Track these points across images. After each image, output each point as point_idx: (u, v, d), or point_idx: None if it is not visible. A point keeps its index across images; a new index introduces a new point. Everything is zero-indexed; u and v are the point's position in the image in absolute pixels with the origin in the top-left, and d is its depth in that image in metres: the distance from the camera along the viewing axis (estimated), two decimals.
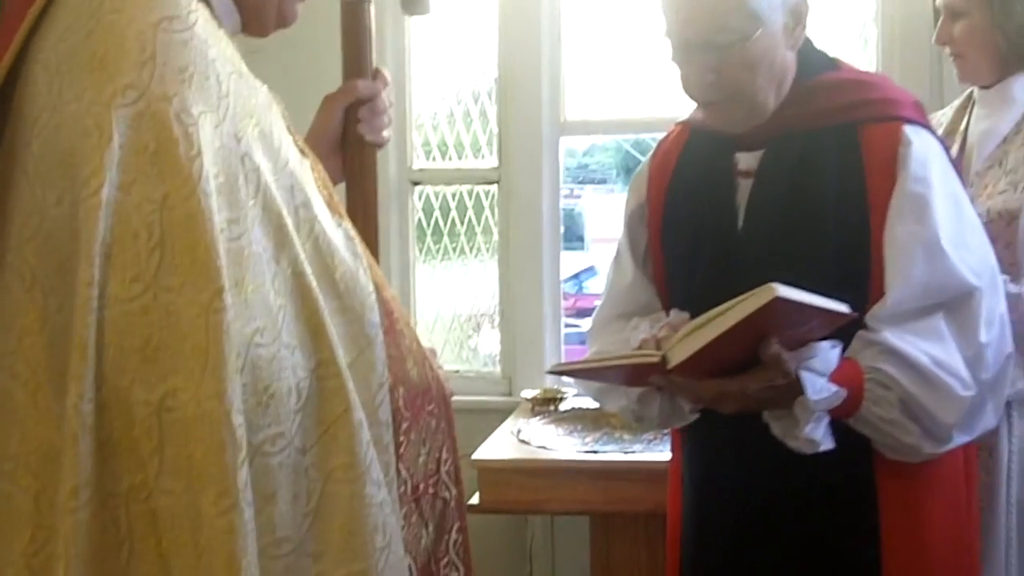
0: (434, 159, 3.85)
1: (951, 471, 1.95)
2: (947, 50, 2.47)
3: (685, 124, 2.11)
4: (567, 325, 4.00)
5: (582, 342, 2.43)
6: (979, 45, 2.38)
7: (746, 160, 1.98)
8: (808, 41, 1.98)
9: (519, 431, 3.18)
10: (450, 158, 3.84)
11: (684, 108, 2.07)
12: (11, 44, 1.31)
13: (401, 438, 1.40)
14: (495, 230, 3.80)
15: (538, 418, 3.33)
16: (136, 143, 1.22)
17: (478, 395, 3.71)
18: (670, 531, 2.15)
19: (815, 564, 1.92)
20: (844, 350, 1.81)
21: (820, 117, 1.93)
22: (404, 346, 1.44)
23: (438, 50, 3.80)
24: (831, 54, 2.04)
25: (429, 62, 3.81)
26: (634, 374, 1.83)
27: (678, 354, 1.70)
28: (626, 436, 3.09)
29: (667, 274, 2.09)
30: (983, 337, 1.82)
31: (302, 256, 1.32)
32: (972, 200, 2.25)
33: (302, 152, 1.43)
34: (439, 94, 3.84)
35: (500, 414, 3.43)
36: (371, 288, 1.40)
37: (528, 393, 3.51)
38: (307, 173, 1.40)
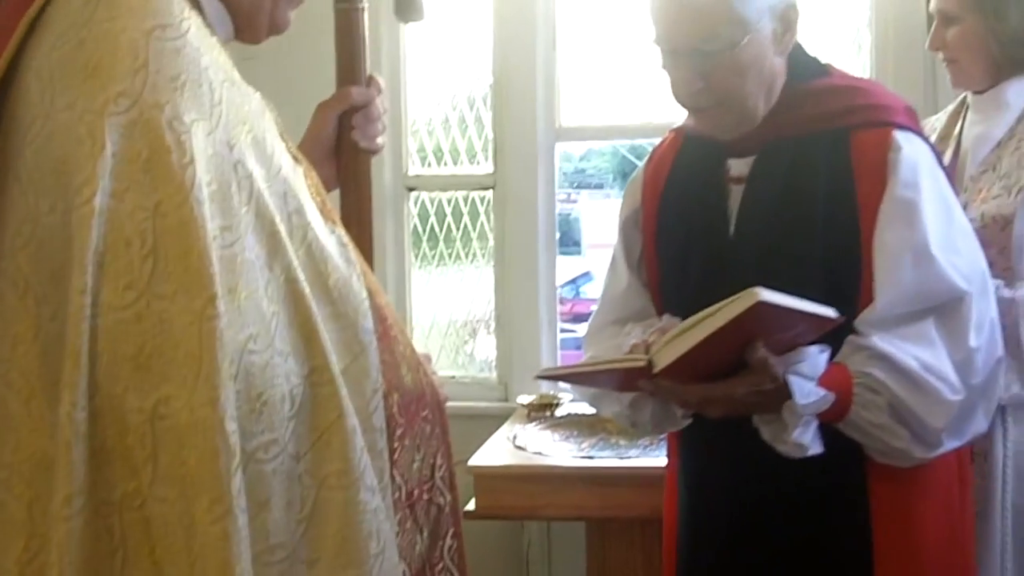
0: (429, 165, 3.86)
1: (943, 475, 1.95)
2: (940, 55, 2.48)
3: (679, 131, 2.12)
4: (564, 330, 4.00)
5: (579, 347, 2.43)
6: (972, 50, 2.38)
7: (738, 166, 1.98)
8: (799, 47, 1.98)
9: (515, 437, 3.18)
10: (445, 164, 3.85)
11: (678, 114, 2.08)
12: (3, 52, 1.31)
13: (395, 444, 1.40)
14: (490, 236, 3.80)
15: (534, 424, 3.33)
16: (129, 151, 1.22)
17: (474, 401, 3.71)
18: (666, 537, 2.15)
19: (808, 567, 1.93)
20: (834, 355, 1.81)
21: (810, 123, 1.94)
22: (398, 352, 1.44)
23: (433, 56, 3.81)
24: (823, 60, 2.04)
25: (424, 68, 3.81)
26: (624, 379, 1.84)
27: (664, 358, 1.70)
28: (622, 442, 3.09)
29: (660, 280, 2.10)
30: (973, 342, 1.82)
31: (295, 263, 1.32)
32: (966, 205, 2.26)
33: (295, 159, 1.43)
34: (434, 100, 3.85)
35: (496, 420, 3.43)
36: (364, 295, 1.40)
37: (524, 399, 3.51)
38: (300, 180, 1.41)
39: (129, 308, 1.20)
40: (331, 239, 1.41)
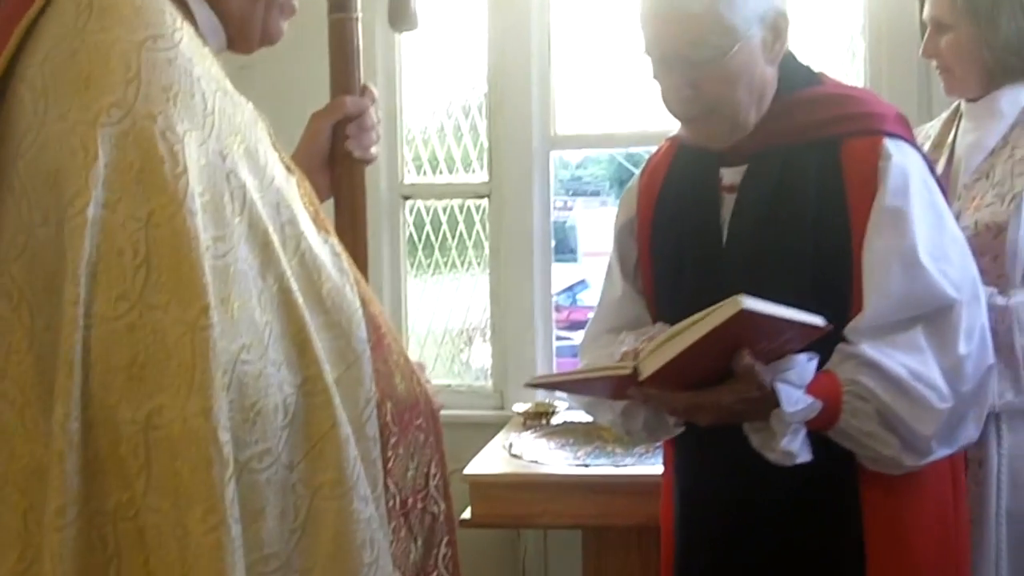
0: (425, 174, 3.86)
1: (936, 483, 1.95)
2: (934, 63, 2.48)
3: (673, 139, 2.12)
4: (560, 338, 4.00)
5: (575, 355, 2.44)
6: (965, 59, 2.38)
7: (730, 175, 1.99)
8: (790, 55, 1.99)
9: (511, 445, 3.18)
10: (441, 172, 3.86)
11: (673, 123, 2.08)
12: None
13: (389, 453, 1.40)
14: (486, 244, 3.81)
15: (530, 432, 3.33)
16: (121, 161, 1.22)
17: (470, 409, 3.72)
18: (664, 545, 2.15)
19: (800, 574, 1.93)
20: (824, 363, 1.82)
21: (801, 132, 1.94)
22: (391, 361, 1.44)
23: (429, 65, 3.82)
24: (816, 68, 2.04)
25: (420, 77, 3.82)
26: (614, 387, 1.84)
27: (649, 366, 1.71)
28: (618, 450, 3.10)
29: (655, 288, 2.10)
30: (962, 349, 1.82)
31: (288, 273, 1.32)
32: (960, 212, 2.26)
33: (288, 169, 1.43)
34: (430, 109, 3.86)
35: (492, 428, 3.43)
36: (358, 304, 1.40)
37: (520, 407, 3.51)
38: (293, 190, 1.41)
39: (122, 318, 1.20)
40: (324, 249, 1.41)
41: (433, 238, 3.86)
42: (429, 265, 3.88)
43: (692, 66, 1.87)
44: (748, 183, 1.96)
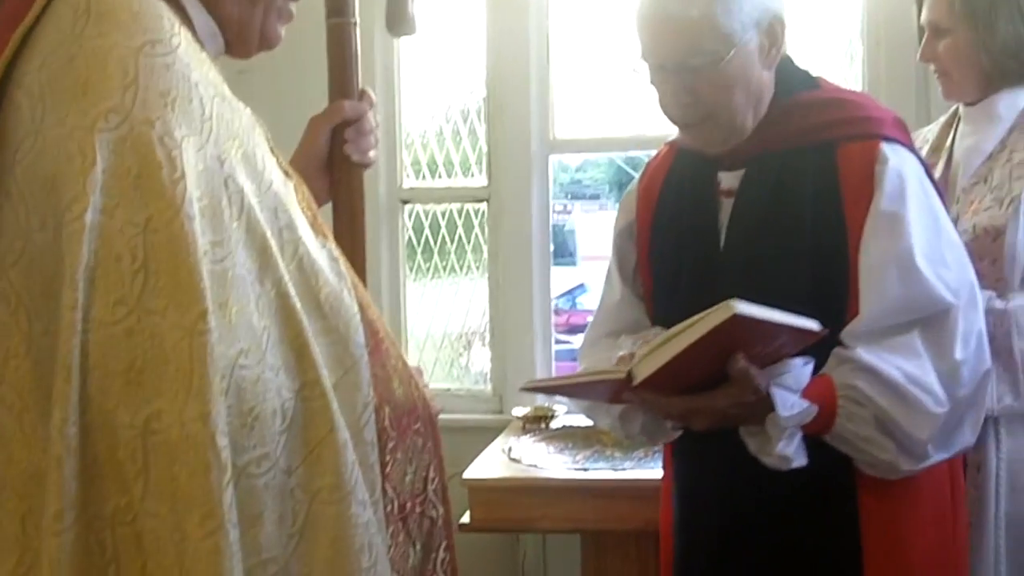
0: (424, 178, 3.87)
1: (934, 488, 1.95)
2: (932, 67, 2.48)
3: (672, 144, 2.13)
4: (559, 342, 4.01)
5: (574, 359, 2.44)
6: (963, 62, 2.38)
7: (728, 180, 1.99)
8: (788, 60, 1.99)
9: (510, 449, 3.18)
10: (440, 176, 3.86)
11: (671, 127, 2.08)
12: None
13: (387, 457, 1.40)
14: (485, 248, 3.81)
15: (529, 436, 3.33)
16: (119, 167, 1.22)
17: (469, 413, 3.72)
18: (663, 549, 2.15)
19: None
20: (822, 367, 1.82)
21: (798, 136, 1.94)
22: (389, 365, 1.44)
23: (427, 69, 3.82)
24: (814, 72, 2.04)
25: (418, 81, 3.83)
26: (611, 391, 1.84)
27: (643, 370, 1.71)
28: (617, 454, 3.10)
29: (653, 292, 2.11)
30: (958, 354, 1.82)
31: (286, 278, 1.32)
32: (958, 216, 2.27)
33: (286, 173, 1.43)
34: (429, 113, 3.86)
35: (491, 432, 3.43)
36: (355, 309, 1.41)
37: (519, 411, 3.51)
38: (291, 194, 1.41)
39: (120, 323, 1.20)
40: (322, 253, 1.41)
41: (432, 242, 3.87)
42: (428, 269, 3.88)
43: (689, 72, 1.87)
44: (746, 187, 1.96)
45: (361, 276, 1.61)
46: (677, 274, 2.03)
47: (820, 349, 1.79)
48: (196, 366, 1.20)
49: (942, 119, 2.56)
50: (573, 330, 6.50)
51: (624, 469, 2.97)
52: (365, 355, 1.39)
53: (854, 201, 1.88)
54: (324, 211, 1.57)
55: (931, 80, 2.52)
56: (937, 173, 2.37)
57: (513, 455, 3.13)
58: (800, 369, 1.76)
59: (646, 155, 2.54)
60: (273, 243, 1.32)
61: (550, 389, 2.24)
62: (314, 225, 1.43)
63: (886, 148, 1.89)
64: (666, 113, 1.96)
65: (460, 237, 3.84)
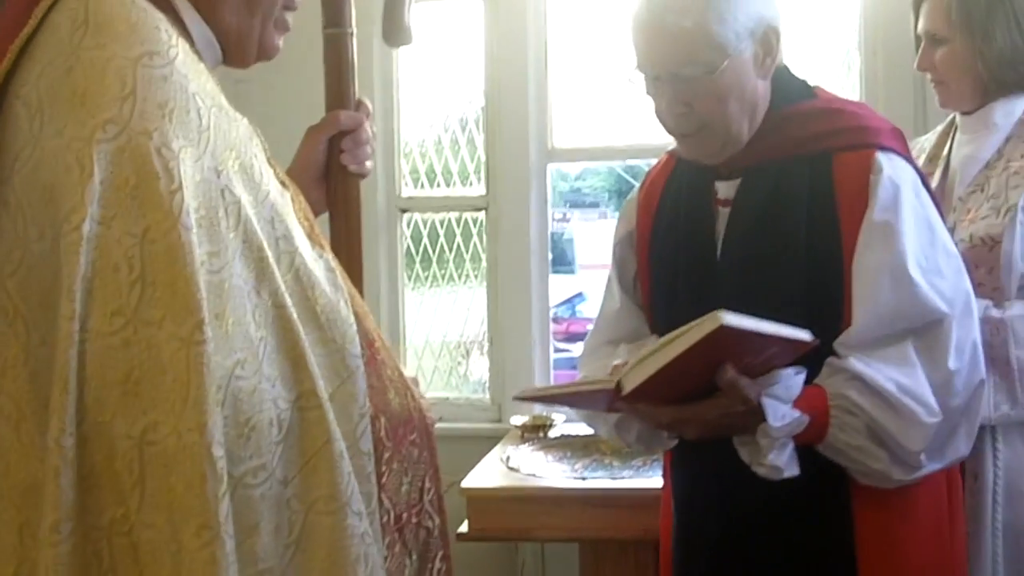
0: (422, 187, 3.88)
1: (930, 499, 1.95)
2: (929, 76, 2.49)
3: (672, 153, 2.13)
4: (559, 350, 4.01)
5: (573, 367, 2.45)
6: (960, 72, 2.39)
7: (725, 189, 2.00)
8: (785, 69, 1.99)
9: (508, 458, 3.18)
10: (438, 185, 3.87)
11: (670, 136, 2.09)
12: None
13: (383, 468, 1.40)
14: (483, 257, 3.82)
15: (527, 445, 3.33)
16: (117, 178, 1.23)
17: (467, 422, 3.73)
18: (663, 557, 2.15)
19: None
20: (814, 377, 1.82)
21: (794, 146, 1.95)
22: (385, 376, 1.44)
23: (426, 79, 3.83)
24: (811, 81, 2.05)
25: (417, 91, 3.84)
26: (603, 400, 1.84)
27: (631, 381, 1.71)
28: (615, 463, 3.10)
29: (652, 301, 2.11)
30: (952, 364, 1.82)
31: (283, 288, 1.33)
32: (955, 225, 2.27)
33: (283, 184, 1.43)
34: (427, 122, 3.88)
35: (489, 441, 3.44)
36: (352, 319, 1.41)
37: (517, 420, 3.51)
38: (288, 205, 1.41)
39: (117, 334, 1.20)
40: (319, 264, 1.41)
41: (431, 251, 3.87)
42: (427, 278, 3.89)
43: (683, 82, 1.88)
44: (742, 197, 1.96)
45: (358, 286, 1.61)
46: (674, 283, 2.03)
47: (815, 359, 1.80)
48: (193, 377, 1.20)
49: (939, 128, 2.57)
50: (573, 338, 6.50)
51: (622, 478, 2.97)
52: (361, 366, 1.39)
53: (849, 211, 1.88)
54: (321, 221, 1.57)
55: (928, 89, 2.53)
56: (934, 182, 2.38)
57: (511, 464, 3.13)
58: (791, 379, 1.76)
59: (646, 164, 2.55)
60: (270, 254, 1.33)
61: (542, 398, 2.24)
62: (311, 235, 1.43)
63: (881, 157, 1.89)
64: (662, 123, 1.96)
65: (459, 246, 3.85)
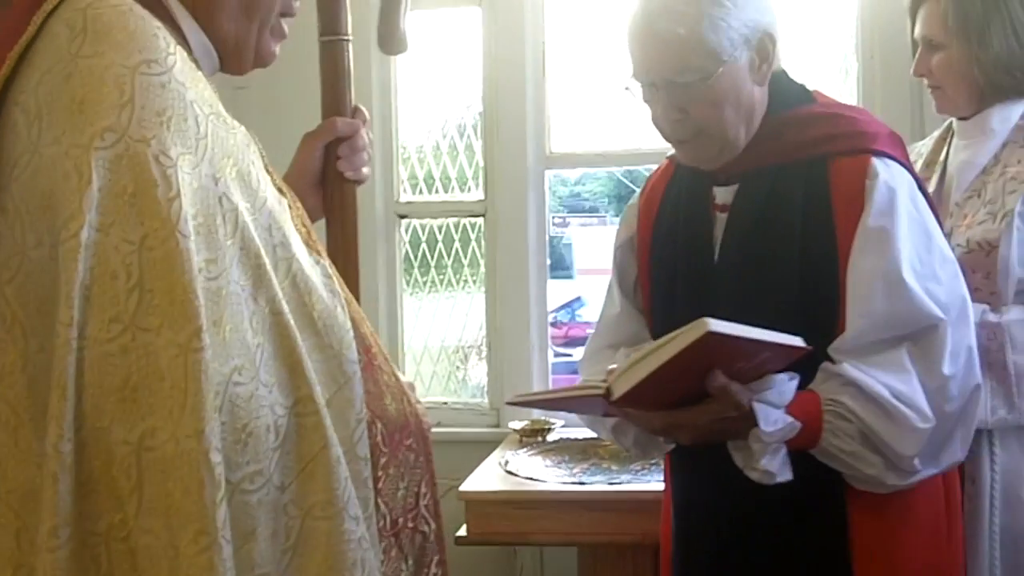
0: (421, 192, 3.88)
1: (927, 502, 1.94)
2: (925, 81, 2.49)
3: (672, 159, 2.14)
4: (558, 354, 4.01)
5: (572, 371, 2.45)
6: (956, 77, 2.39)
7: (722, 194, 2.00)
8: (784, 74, 2.00)
9: (507, 462, 3.18)
10: (437, 191, 3.87)
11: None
12: None
13: (379, 473, 1.41)
14: (482, 262, 3.82)
15: (526, 449, 3.34)
16: (115, 185, 1.23)
17: (466, 426, 3.73)
18: (663, 562, 2.16)
19: None
20: (809, 382, 1.82)
21: (791, 151, 1.95)
22: (382, 381, 1.45)
23: (424, 85, 3.83)
24: (810, 86, 2.05)
25: (415, 97, 3.84)
26: (596, 405, 1.84)
27: (620, 387, 1.71)
28: (614, 467, 3.10)
29: (651, 305, 2.11)
30: (947, 369, 1.82)
31: (280, 295, 1.33)
32: (952, 230, 2.27)
33: (280, 191, 1.44)
34: (425, 128, 3.88)
35: (488, 445, 3.44)
36: (349, 325, 1.41)
37: (516, 424, 3.52)
38: (285, 212, 1.42)
39: (115, 341, 1.21)
40: (316, 270, 1.42)
41: (429, 256, 3.88)
42: (425, 283, 3.90)
43: (678, 89, 1.88)
44: (739, 202, 1.97)
45: (355, 292, 1.61)
46: (673, 287, 2.04)
47: (811, 363, 1.80)
48: (190, 383, 1.21)
49: (936, 133, 2.57)
50: (572, 343, 6.50)
51: (621, 482, 2.97)
52: (358, 371, 1.40)
53: (845, 216, 1.88)
54: (318, 227, 1.58)
55: (926, 95, 2.53)
56: (931, 187, 2.38)
57: (510, 468, 3.13)
58: (784, 385, 1.76)
59: (645, 169, 2.55)
60: (267, 260, 1.33)
61: (535, 403, 2.25)
62: (308, 242, 1.44)
63: (877, 163, 1.89)
64: (659, 129, 1.97)
65: (457, 251, 3.86)
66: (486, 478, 3.09)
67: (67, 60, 1.29)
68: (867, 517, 1.89)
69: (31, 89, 1.29)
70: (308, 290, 1.38)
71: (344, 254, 1.72)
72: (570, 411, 2.11)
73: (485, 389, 3.85)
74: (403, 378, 1.52)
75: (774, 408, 1.74)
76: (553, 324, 3.91)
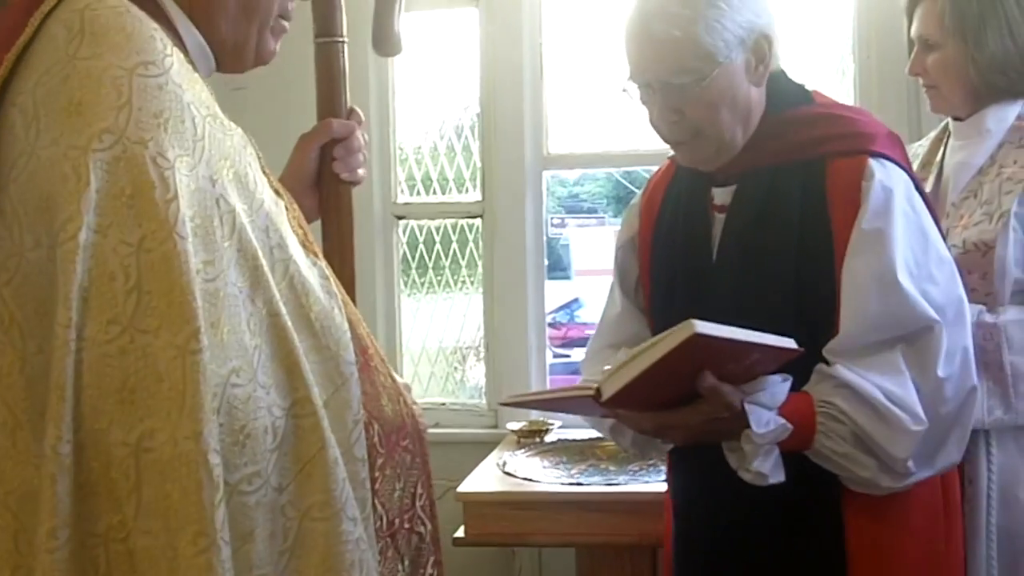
0: (418, 193, 3.88)
1: (924, 504, 1.94)
2: (921, 81, 2.50)
3: (673, 159, 2.14)
4: (556, 355, 4.01)
5: (571, 372, 2.46)
6: (952, 77, 2.39)
7: (720, 195, 2.00)
8: (782, 74, 2.00)
9: (504, 463, 3.17)
10: (434, 192, 3.87)
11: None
12: None
13: (376, 474, 1.41)
14: (479, 263, 3.82)
15: (523, 450, 3.33)
16: (113, 187, 1.24)
17: (464, 427, 3.73)
18: (665, 563, 2.15)
19: None
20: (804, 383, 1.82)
21: (789, 151, 1.95)
22: (378, 383, 1.45)
23: (421, 86, 3.84)
24: (809, 86, 2.05)
25: (412, 98, 3.84)
26: (588, 406, 1.85)
27: (609, 388, 1.71)
28: (612, 468, 3.10)
29: (651, 305, 2.12)
30: (942, 371, 1.81)
31: (277, 296, 1.34)
32: (948, 231, 2.27)
33: (277, 192, 1.44)
34: (423, 129, 3.88)
35: (486, 446, 3.44)
36: (346, 327, 1.42)
37: (514, 425, 3.52)
38: (282, 213, 1.42)
39: (113, 342, 1.21)
40: (313, 271, 1.42)
41: (427, 257, 3.88)
42: (423, 284, 3.89)
43: (674, 90, 1.89)
44: (736, 203, 1.97)
45: (351, 293, 1.62)
46: (673, 287, 2.04)
47: (807, 365, 1.80)
48: (189, 385, 1.21)
49: (932, 134, 2.57)
50: (570, 343, 6.50)
51: (619, 483, 2.96)
52: (355, 373, 1.40)
53: (841, 216, 1.88)
54: (314, 228, 1.58)
55: (922, 95, 2.54)
56: (928, 188, 2.38)
57: (508, 469, 3.12)
58: (777, 386, 1.76)
59: (644, 170, 2.55)
60: (264, 262, 1.34)
61: (528, 404, 2.25)
62: (305, 243, 1.44)
63: (873, 164, 1.89)
64: (656, 130, 1.97)
65: (455, 252, 3.86)
66: (484, 479, 3.09)
67: (65, 62, 1.29)
68: (863, 519, 1.88)
69: (29, 90, 1.30)
70: (305, 291, 1.39)
71: (340, 255, 1.72)
72: (564, 412, 2.11)
73: (483, 390, 3.85)
74: (399, 379, 1.53)
75: (766, 409, 1.74)
76: (551, 325, 3.91)
